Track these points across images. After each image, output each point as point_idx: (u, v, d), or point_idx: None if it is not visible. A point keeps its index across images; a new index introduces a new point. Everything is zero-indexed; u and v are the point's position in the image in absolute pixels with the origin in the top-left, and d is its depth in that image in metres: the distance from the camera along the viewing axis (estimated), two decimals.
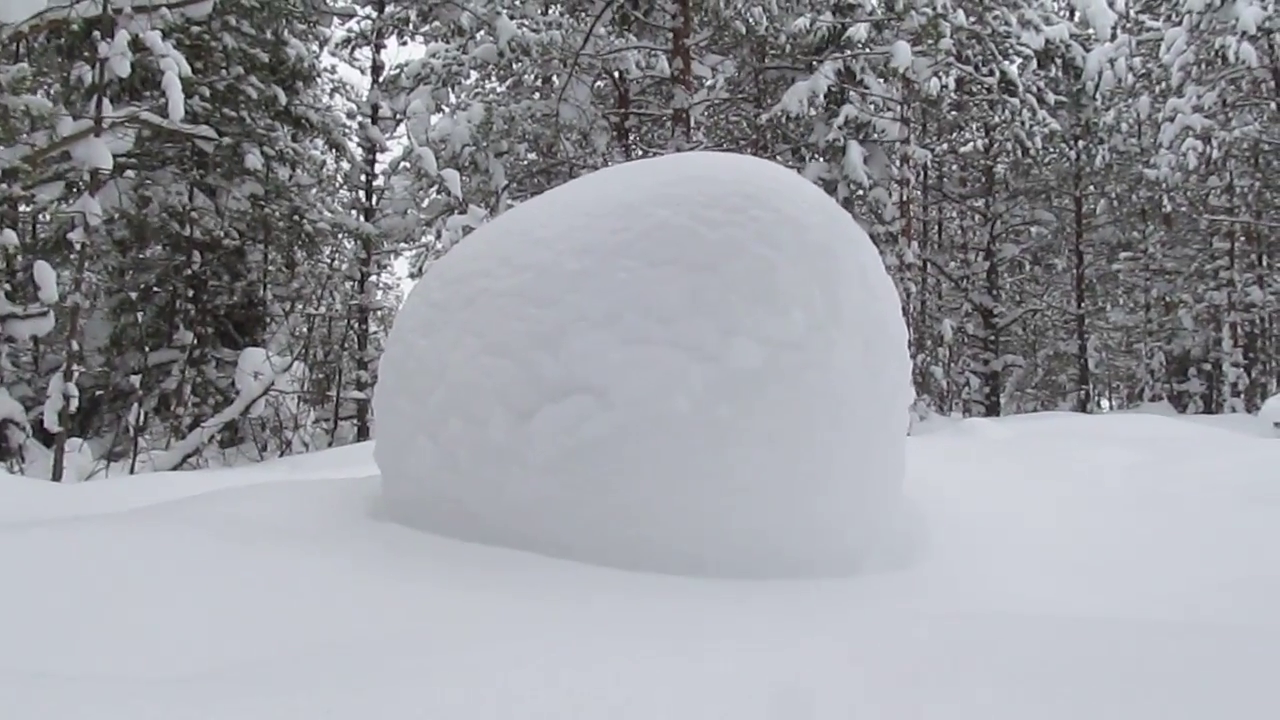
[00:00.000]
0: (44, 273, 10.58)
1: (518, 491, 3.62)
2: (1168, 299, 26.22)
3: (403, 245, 24.82)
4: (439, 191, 19.17)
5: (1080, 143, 26.60)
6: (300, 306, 18.85)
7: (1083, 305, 27.75)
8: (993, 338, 27.35)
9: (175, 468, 12.64)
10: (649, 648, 2.21)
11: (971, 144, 27.64)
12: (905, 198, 19.42)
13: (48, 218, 16.80)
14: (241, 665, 1.98)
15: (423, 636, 2.42)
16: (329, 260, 22.59)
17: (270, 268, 17.74)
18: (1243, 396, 22.93)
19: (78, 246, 10.91)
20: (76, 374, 11.08)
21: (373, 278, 22.13)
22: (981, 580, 3.78)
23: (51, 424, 10.51)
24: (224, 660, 2.15)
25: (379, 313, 24.29)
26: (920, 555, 4.06)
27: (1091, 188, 27.84)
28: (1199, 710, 1.76)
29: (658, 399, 3.49)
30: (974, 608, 3.30)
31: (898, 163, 19.10)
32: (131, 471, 11.93)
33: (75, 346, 11.10)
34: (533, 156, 23.90)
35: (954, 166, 29.87)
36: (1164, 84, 22.90)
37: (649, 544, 3.51)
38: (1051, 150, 26.08)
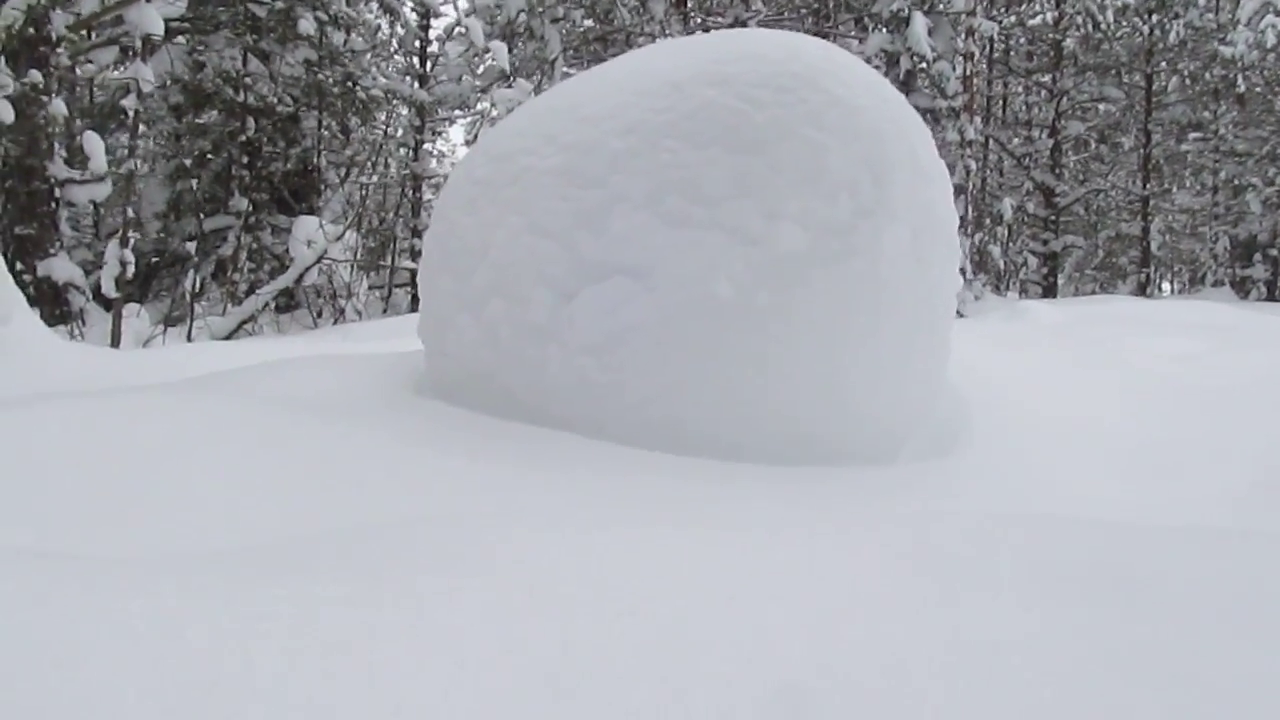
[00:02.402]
0: (93, 143, 10.65)
1: (557, 372, 3.64)
2: (1236, 182, 25.51)
3: (457, 112, 24.57)
4: (494, 58, 18.93)
5: (1154, 17, 25.61)
6: (354, 174, 18.82)
7: (1148, 186, 27.06)
8: (1053, 217, 26.79)
9: (231, 333, 12.83)
10: (684, 529, 2.23)
11: (1040, 17, 26.75)
12: (969, 72, 18.85)
13: (102, 83, 16.82)
14: (272, 545, 2.02)
15: (457, 515, 2.46)
16: (383, 127, 22.45)
17: (324, 134, 17.67)
18: None
19: (131, 112, 10.93)
20: (133, 240, 11.22)
21: (427, 145, 22.02)
22: (1021, 471, 3.77)
23: (109, 289, 10.68)
24: (255, 538, 2.21)
25: (433, 180, 24.18)
26: (962, 444, 4.04)
27: (1163, 64, 26.87)
28: (1205, 616, 1.76)
29: (699, 282, 3.47)
30: (1009, 501, 3.30)
31: (963, 35, 18.51)
32: (189, 337, 12.13)
33: (131, 213, 11.22)
34: (589, 23, 23.44)
35: (1021, 40, 28.92)
36: None
37: (686, 428, 3.52)
38: (1124, 24, 25.23)
